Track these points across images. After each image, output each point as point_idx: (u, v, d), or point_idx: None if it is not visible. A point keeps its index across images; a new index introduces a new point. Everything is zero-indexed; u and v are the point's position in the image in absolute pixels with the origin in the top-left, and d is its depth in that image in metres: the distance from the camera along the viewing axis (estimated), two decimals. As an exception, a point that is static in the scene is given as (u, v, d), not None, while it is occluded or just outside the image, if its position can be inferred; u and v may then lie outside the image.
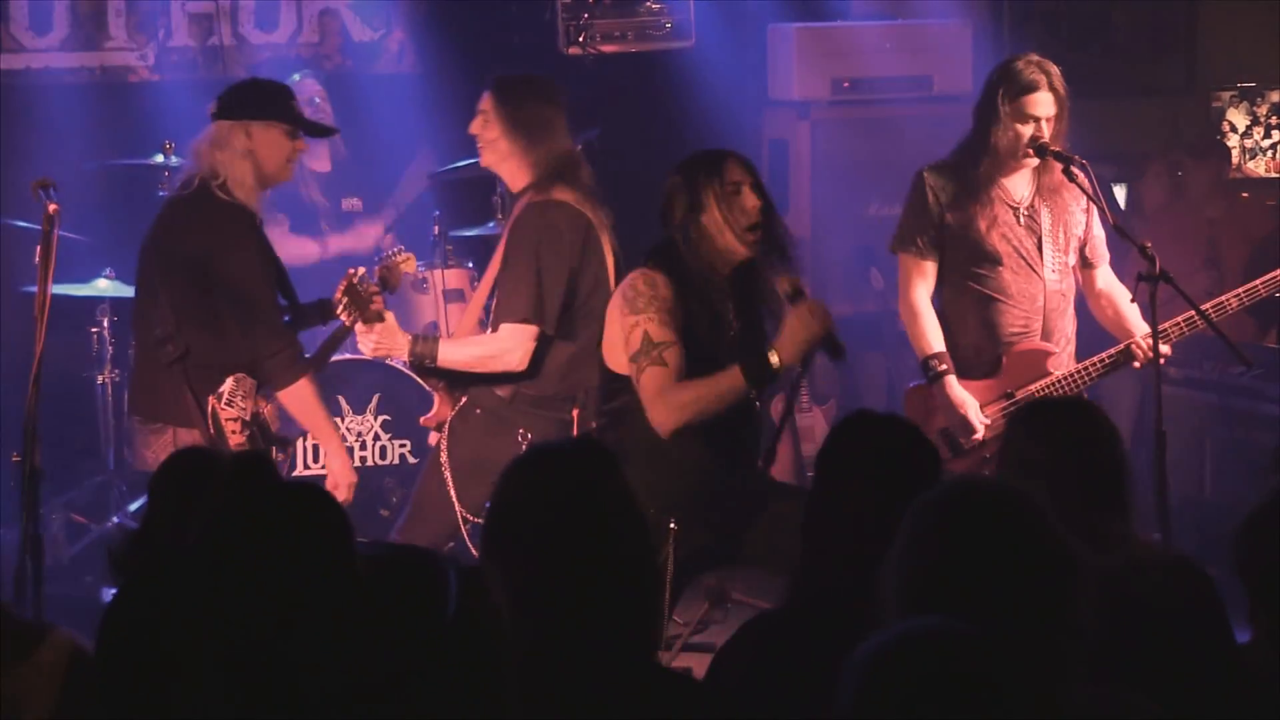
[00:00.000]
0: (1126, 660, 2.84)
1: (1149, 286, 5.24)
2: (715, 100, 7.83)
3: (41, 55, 7.64)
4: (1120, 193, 8.11)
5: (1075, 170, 5.43)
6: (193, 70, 7.71)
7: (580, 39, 7.64)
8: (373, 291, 5.34)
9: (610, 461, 2.93)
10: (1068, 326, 5.68)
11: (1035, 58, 5.58)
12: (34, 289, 4.89)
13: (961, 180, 5.57)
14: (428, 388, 5.57)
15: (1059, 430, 3.59)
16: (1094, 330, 5.81)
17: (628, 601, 2.80)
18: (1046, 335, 5.61)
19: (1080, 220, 5.64)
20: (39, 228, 4.88)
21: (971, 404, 5.54)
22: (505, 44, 7.88)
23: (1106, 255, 5.76)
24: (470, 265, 7.13)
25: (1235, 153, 8.82)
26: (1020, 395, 5.51)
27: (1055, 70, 5.51)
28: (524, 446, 5.26)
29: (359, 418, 6.75)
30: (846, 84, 7.71)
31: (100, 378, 6.93)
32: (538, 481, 2.88)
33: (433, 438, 5.58)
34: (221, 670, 2.17)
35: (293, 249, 6.98)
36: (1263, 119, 8.90)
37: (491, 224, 7.10)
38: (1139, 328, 5.57)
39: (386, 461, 6.82)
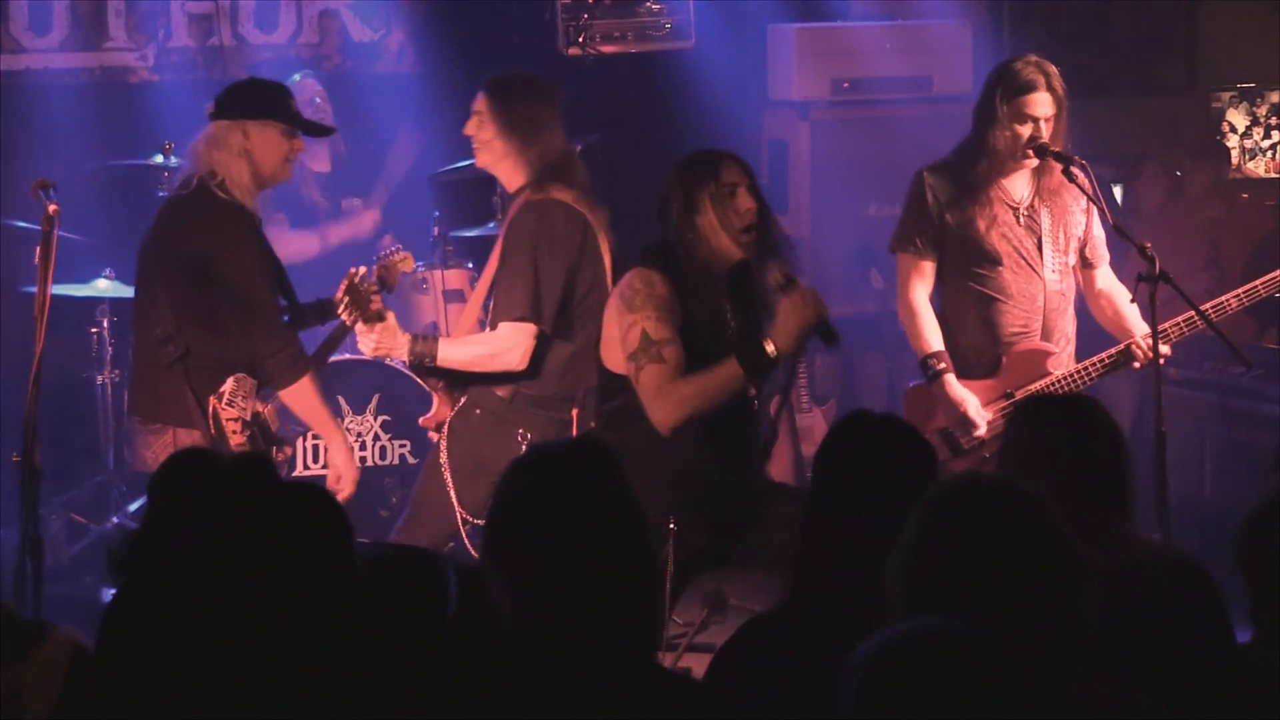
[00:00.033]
0: (1127, 658, 2.84)
1: (1149, 287, 5.24)
2: (715, 100, 7.83)
3: (41, 55, 7.64)
4: (1117, 193, 8.11)
5: (1075, 170, 5.44)
6: (192, 71, 7.71)
7: (580, 39, 7.64)
8: (372, 291, 5.34)
9: (611, 461, 2.93)
10: (1068, 326, 5.68)
11: (1034, 58, 5.59)
12: (34, 289, 4.89)
13: (961, 180, 5.58)
14: (427, 388, 5.57)
15: (1058, 426, 3.59)
16: (1094, 330, 5.81)
17: (628, 602, 2.80)
18: (1046, 335, 5.61)
19: (1080, 220, 5.64)
20: (39, 228, 4.88)
21: (971, 401, 5.54)
22: (505, 44, 7.88)
23: (1106, 255, 5.76)
24: (470, 265, 7.13)
25: (1235, 153, 8.82)
26: (1020, 395, 5.51)
27: (1054, 70, 5.51)
28: (524, 446, 5.26)
29: (359, 418, 6.75)
30: (846, 84, 7.71)
31: (100, 378, 6.93)
32: (538, 481, 2.89)
33: (432, 437, 5.58)
34: (221, 670, 2.17)
35: (293, 245, 6.99)
36: (1263, 119, 8.90)
37: (491, 224, 7.10)
38: (1139, 328, 5.57)
39: (386, 461, 6.82)
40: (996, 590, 2.44)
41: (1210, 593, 3.46)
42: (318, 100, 7.37)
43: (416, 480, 5.67)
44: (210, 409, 5.20)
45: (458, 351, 5.35)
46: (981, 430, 5.54)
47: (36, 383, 4.76)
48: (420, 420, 5.61)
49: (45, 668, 3.03)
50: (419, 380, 5.96)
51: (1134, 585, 3.30)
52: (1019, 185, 5.59)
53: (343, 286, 5.27)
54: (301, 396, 5.30)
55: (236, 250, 5.23)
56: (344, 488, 5.38)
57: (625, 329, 4.86)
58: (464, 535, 5.38)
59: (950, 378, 5.54)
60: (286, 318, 5.43)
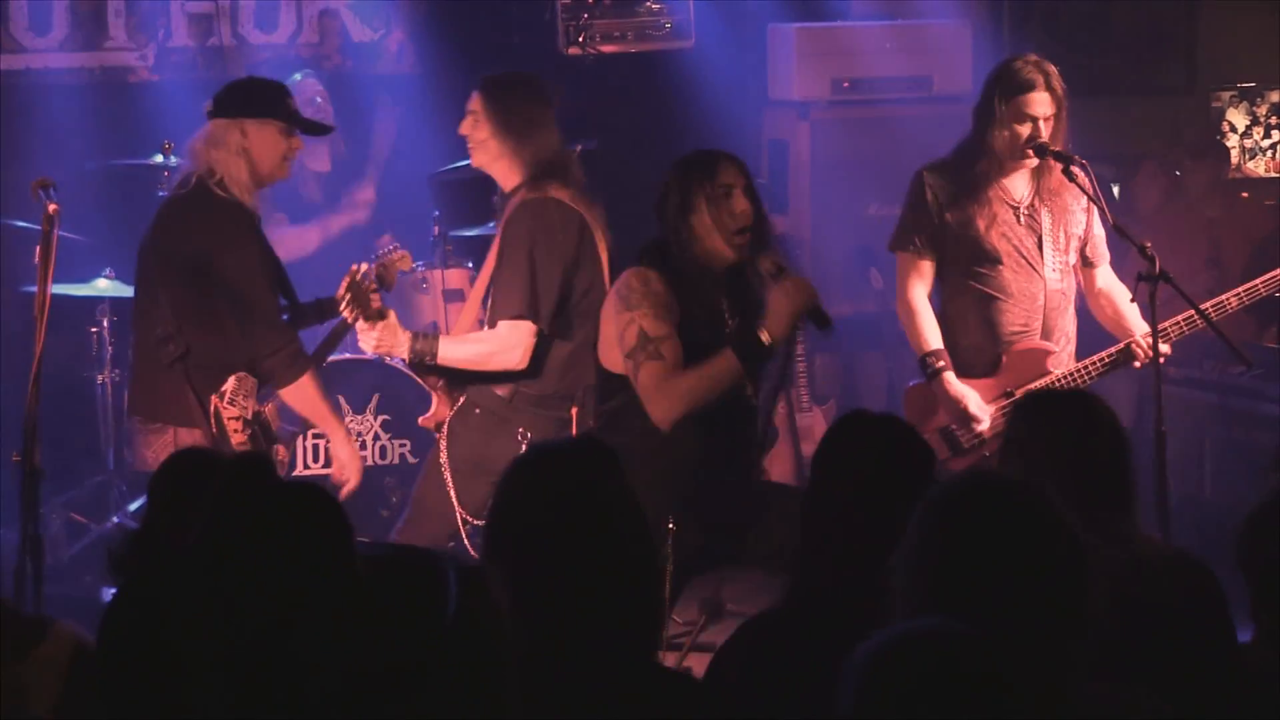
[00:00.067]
0: (1128, 657, 2.84)
1: (1149, 286, 5.24)
2: (715, 100, 7.83)
3: (41, 55, 7.64)
4: (1115, 192, 8.11)
5: (1075, 170, 5.44)
6: (192, 70, 7.70)
7: (580, 39, 7.64)
8: (371, 289, 5.34)
9: (611, 460, 2.93)
10: (1068, 325, 5.69)
11: (1033, 58, 5.59)
12: (34, 289, 4.89)
13: (961, 180, 5.58)
14: (426, 387, 5.57)
15: (1058, 422, 3.59)
16: (1094, 330, 5.81)
17: (628, 601, 2.80)
18: (1046, 334, 5.62)
19: (1080, 220, 5.65)
20: (39, 228, 4.88)
21: (972, 396, 5.55)
22: (505, 44, 7.88)
23: (1107, 255, 5.76)
24: (470, 265, 7.13)
25: (1235, 153, 8.82)
26: (1020, 394, 5.51)
27: (1053, 70, 5.52)
28: (524, 446, 5.26)
29: (359, 417, 6.75)
30: (846, 84, 7.71)
31: (100, 378, 6.93)
32: (539, 481, 2.89)
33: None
34: (221, 670, 2.17)
35: (293, 241, 7.00)
36: (1263, 119, 8.90)
37: (491, 224, 7.08)
38: (1139, 327, 5.58)
39: (386, 461, 6.83)
40: (1001, 587, 2.44)
41: (1212, 591, 3.46)
42: (318, 100, 7.37)
43: (416, 480, 5.67)
44: (212, 408, 5.20)
45: (458, 350, 5.35)
46: (984, 425, 5.54)
47: (36, 383, 4.76)
48: (420, 420, 5.61)
49: (47, 664, 3.04)
50: (418, 379, 5.96)
51: (1135, 583, 3.30)
52: (1019, 185, 5.59)
53: (345, 283, 5.26)
54: (302, 394, 5.31)
55: (235, 249, 5.23)
56: (349, 480, 5.41)
57: (623, 327, 4.86)
58: (464, 535, 5.38)
59: (949, 375, 5.54)
60: (286, 317, 5.44)
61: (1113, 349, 5.62)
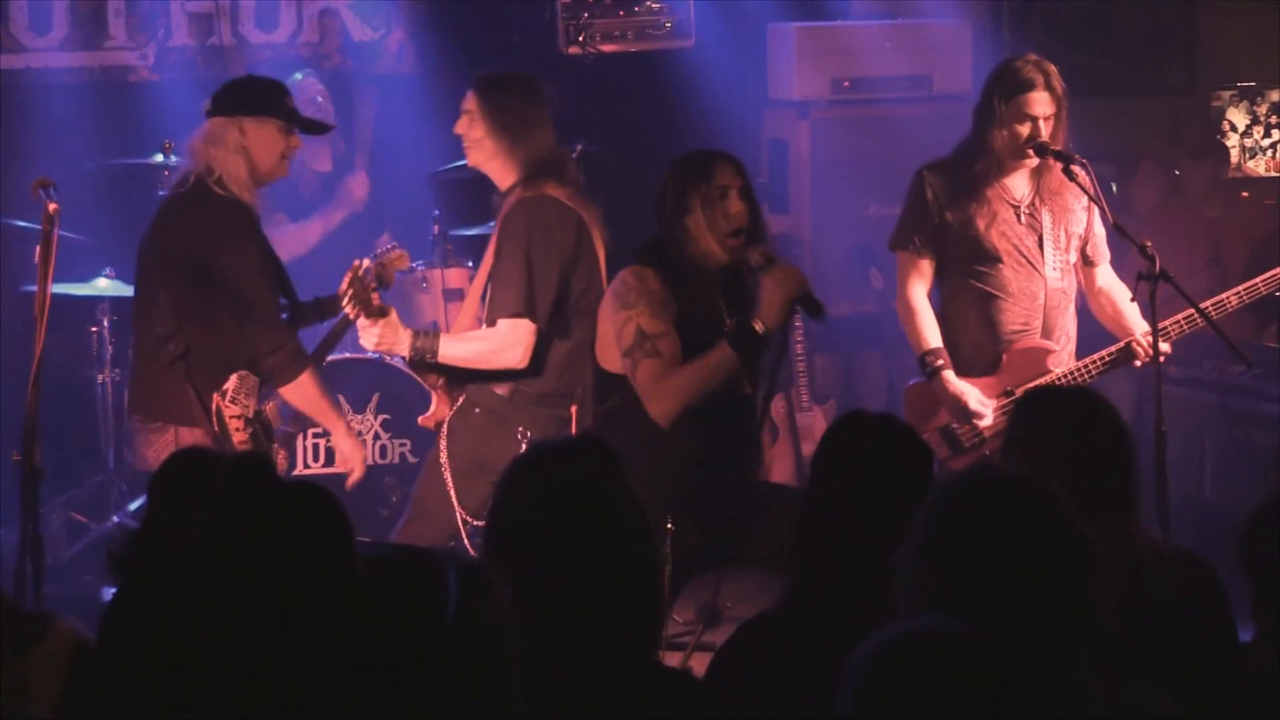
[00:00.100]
0: (1130, 655, 2.84)
1: (1149, 285, 5.24)
2: (715, 100, 7.83)
3: (41, 55, 7.64)
4: (1114, 189, 8.11)
5: (1075, 169, 5.44)
6: (193, 70, 7.70)
7: (580, 39, 7.64)
8: (370, 288, 5.34)
9: (612, 460, 2.94)
10: (1068, 324, 5.69)
11: (1033, 57, 5.59)
12: (34, 289, 4.89)
13: (961, 179, 5.58)
14: (426, 386, 5.58)
15: (1058, 419, 3.59)
16: (1094, 329, 5.81)
17: (629, 600, 2.80)
18: (1047, 333, 5.62)
19: (1081, 219, 5.65)
20: (39, 227, 4.88)
21: (972, 392, 5.55)
22: (505, 44, 7.88)
23: (1107, 254, 5.76)
24: (470, 264, 7.13)
25: (1235, 152, 8.82)
26: (1020, 393, 5.51)
27: (1053, 70, 5.52)
28: (524, 445, 5.26)
29: (359, 417, 6.75)
30: (846, 84, 7.71)
31: (100, 377, 6.93)
32: (539, 480, 2.89)
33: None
34: (221, 670, 2.17)
35: (294, 239, 7.00)
36: (1263, 118, 8.90)
37: (491, 223, 7.08)
38: (1139, 326, 5.58)
39: (386, 461, 6.83)
40: (1007, 585, 2.45)
41: (1213, 590, 3.46)
42: (319, 99, 7.37)
43: (416, 480, 5.67)
44: (214, 406, 5.20)
45: (459, 348, 5.35)
46: (987, 421, 5.54)
47: (36, 382, 4.76)
48: (420, 419, 5.61)
49: (48, 661, 3.04)
50: (417, 378, 5.96)
51: (1137, 582, 3.29)
52: (1019, 184, 5.59)
53: (347, 279, 5.26)
54: (302, 392, 5.31)
55: (234, 247, 5.23)
56: (354, 471, 5.43)
57: (620, 326, 4.87)
58: (464, 535, 5.37)
59: (948, 374, 5.54)
60: (286, 316, 5.44)
61: (1113, 348, 5.62)
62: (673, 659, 5.27)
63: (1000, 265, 5.56)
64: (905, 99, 7.70)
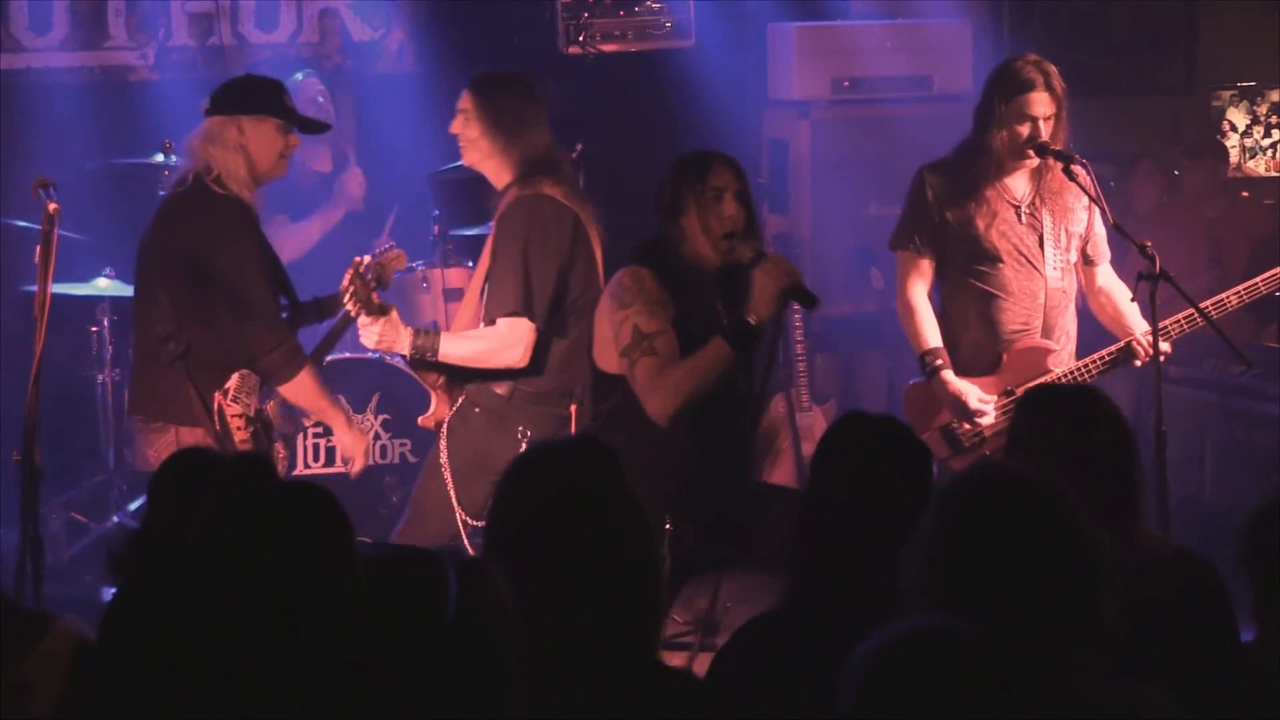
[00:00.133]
0: (1131, 654, 2.84)
1: (1149, 285, 5.24)
2: (715, 100, 7.83)
3: (41, 55, 7.64)
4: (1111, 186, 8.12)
5: (1075, 169, 5.44)
6: (193, 70, 7.70)
7: (580, 39, 7.64)
8: (371, 286, 5.34)
9: (611, 459, 2.94)
10: (1068, 324, 5.69)
11: (1033, 58, 5.59)
12: (34, 289, 4.89)
13: (961, 179, 5.58)
14: (425, 385, 5.58)
15: (1059, 417, 3.59)
16: (1094, 328, 5.81)
17: (629, 599, 2.80)
18: (1047, 332, 5.62)
19: (1082, 218, 5.65)
20: (39, 227, 4.88)
21: (972, 391, 5.55)
22: (505, 44, 7.88)
23: (1108, 253, 5.76)
24: (470, 264, 7.13)
25: (1235, 152, 8.82)
26: (1020, 393, 5.51)
27: (1053, 70, 5.52)
28: (524, 444, 5.26)
29: (359, 417, 6.75)
30: (846, 84, 7.70)
31: (100, 377, 6.93)
32: (539, 480, 2.89)
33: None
34: (222, 670, 2.17)
35: (294, 240, 6.99)
36: (1263, 119, 8.90)
37: (491, 223, 7.10)
38: (1139, 326, 5.58)
39: (386, 461, 6.83)
40: (1015, 584, 2.45)
41: (1215, 589, 3.46)
42: (320, 99, 7.37)
43: (416, 480, 5.66)
44: (215, 405, 5.20)
45: (459, 346, 5.35)
46: (989, 418, 5.53)
47: (36, 383, 4.76)
48: (419, 420, 5.61)
49: (50, 660, 3.04)
50: (417, 378, 5.96)
51: (1139, 581, 3.29)
52: (1020, 184, 5.59)
53: (348, 275, 5.25)
54: (301, 389, 5.32)
55: (233, 246, 5.23)
56: (356, 463, 5.48)
57: (617, 326, 4.88)
58: (464, 536, 5.37)
59: (947, 373, 5.55)
60: (286, 315, 5.44)
61: (1113, 347, 5.62)
62: (673, 659, 5.27)
63: (1000, 265, 5.56)
64: (905, 99, 7.69)
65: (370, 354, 6.51)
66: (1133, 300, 5.60)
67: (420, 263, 7.14)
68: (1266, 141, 8.91)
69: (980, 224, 5.54)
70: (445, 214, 7.36)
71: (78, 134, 7.38)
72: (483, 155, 5.45)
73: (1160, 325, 5.38)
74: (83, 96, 7.57)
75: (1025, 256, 5.57)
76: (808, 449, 7.13)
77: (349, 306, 5.26)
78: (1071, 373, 5.57)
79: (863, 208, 7.61)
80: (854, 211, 7.61)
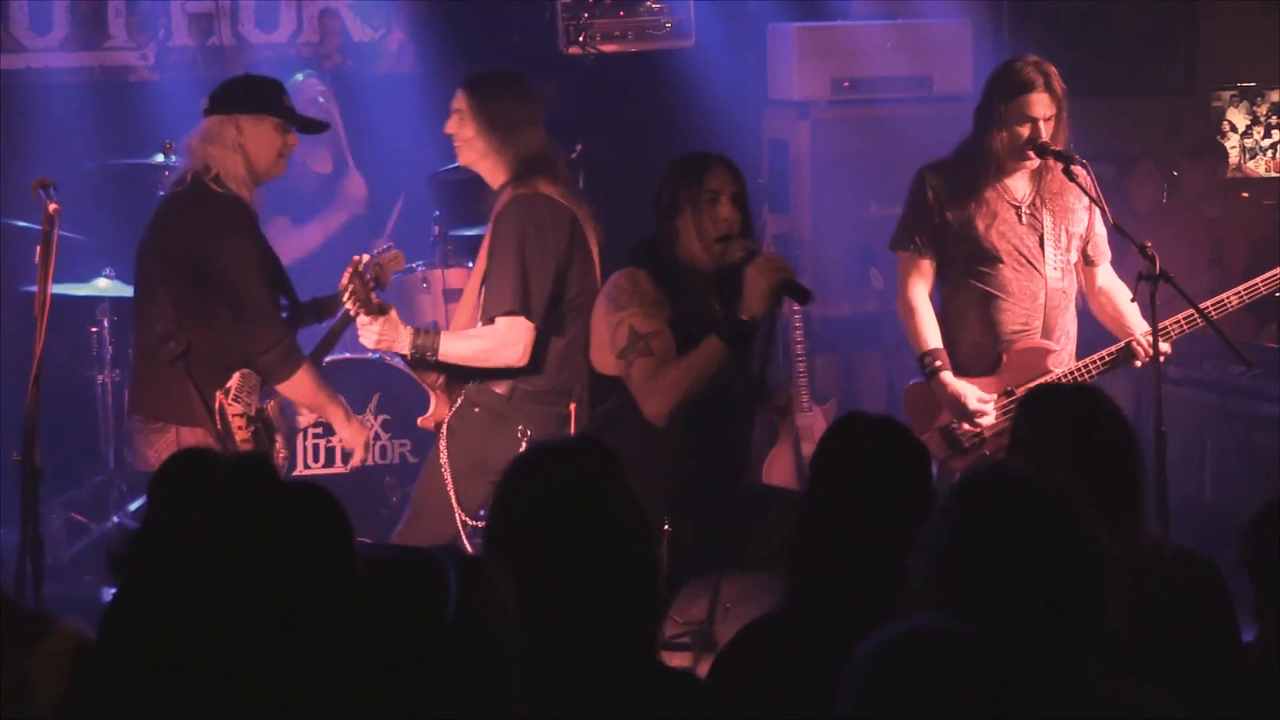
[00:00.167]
0: (1133, 654, 2.84)
1: (1149, 286, 5.24)
2: (715, 100, 7.83)
3: (41, 55, 7.64)
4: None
5: (1076, 170, 5.44)
6: (193, 70, 7.70)
7: (580, 39, 7.63)
8: (369, 285, 5.34)
9: (611, 460, 2.94)
10: (1068, 324, 5.69)
11: (1033, 58, 5.59)
12: (34, 289, 4.89)
13: (961, 179, 5.58)
14: (424, 386, 5.58)
15: (1060, 417, 3.59)
16: (1094, 329, 5.81)
17: (629, 599, 2.80)
18: (1047, 333, 5.62)
19: (1082, 218, 5.65)
20: (39, 227, 4.88)
21: (971, 392, 5.55)
22: (505, 44, 7.88)
23: (1108, 253, 5.76)
24: (470, 265, 7.13)
25: (1235, 152, 8.82)
26: (1020, 393, 5.51)
27: (1053, 71, 5.52)
28: (523, 443, 5.26)
29: (359, 417, 6.74)
30: (846, 84, 7.70)
31: (100, 378, 6.93)
32: (539, 480, 2.89)
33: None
34: (222, 670, 2.17)
35: (295, 243, 6.99)
36: (1263, 119, 8.90)
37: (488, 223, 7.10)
38: (1139, 326, 5.58)
39: (386, 461, 6.83)
40: (1023, 586, 2.46)
41: (1217, 589, 3.46)
42: (321, 100, 7.37)
43: (416, 481, 5.66)
44: (217, 404, 5.20)
45: (459, 346, 5.35)
46: (989, 420, 5.53)
47: (36, 383, 4.76)
48: (419, 421, 5.61)
49: (50, 659, 3.04)
50: (416, 378, 5.96)
51: (1140, 581, 3.29)
52: (1020, 185, 5.59)
53: (347, 274, 5.25)
54: (299, 387, 5.32)
55: (231, 243, 5.23)
56: (356, 455, 5.51)
57: (613, 328, 4.88)
58: (464, 536, 5.37)
59: (946, 375, 5.55)
60: (285, 315, 5.44)
61: (1113, 348, 5.62)
62: (673, 659, 5.27)
63: (1000, 265, 5.56)
64: (905, 99, 7.69)
65: (370, 354, 6.51)
66: (1133, 300, 5.60)
67: (420, 263, 7.14)
68: (1266, 142, 8.91)
69: (980, 224, 5.54)
70: (446, 214, 7.36)
71: (78, 134, 7.38)
72: (478, 155, 5.45)
73: (1160, 326, 5.38)
74: (83, 96, 7.57)
75: (1025, 257, 5.57)
76: (808, 449, 7.13)
77: (348, 305, 5.26)
78: (1071, 373, 5.57)
79: (863, 208, 7.60)
80: (854, 211, 7.61)
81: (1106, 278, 5.75)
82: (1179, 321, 5.51)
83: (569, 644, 2.74)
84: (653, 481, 4.61)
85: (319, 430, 6.57)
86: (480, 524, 5.18)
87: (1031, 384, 5.50)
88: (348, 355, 6.59)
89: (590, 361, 5.06)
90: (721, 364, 4.82)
